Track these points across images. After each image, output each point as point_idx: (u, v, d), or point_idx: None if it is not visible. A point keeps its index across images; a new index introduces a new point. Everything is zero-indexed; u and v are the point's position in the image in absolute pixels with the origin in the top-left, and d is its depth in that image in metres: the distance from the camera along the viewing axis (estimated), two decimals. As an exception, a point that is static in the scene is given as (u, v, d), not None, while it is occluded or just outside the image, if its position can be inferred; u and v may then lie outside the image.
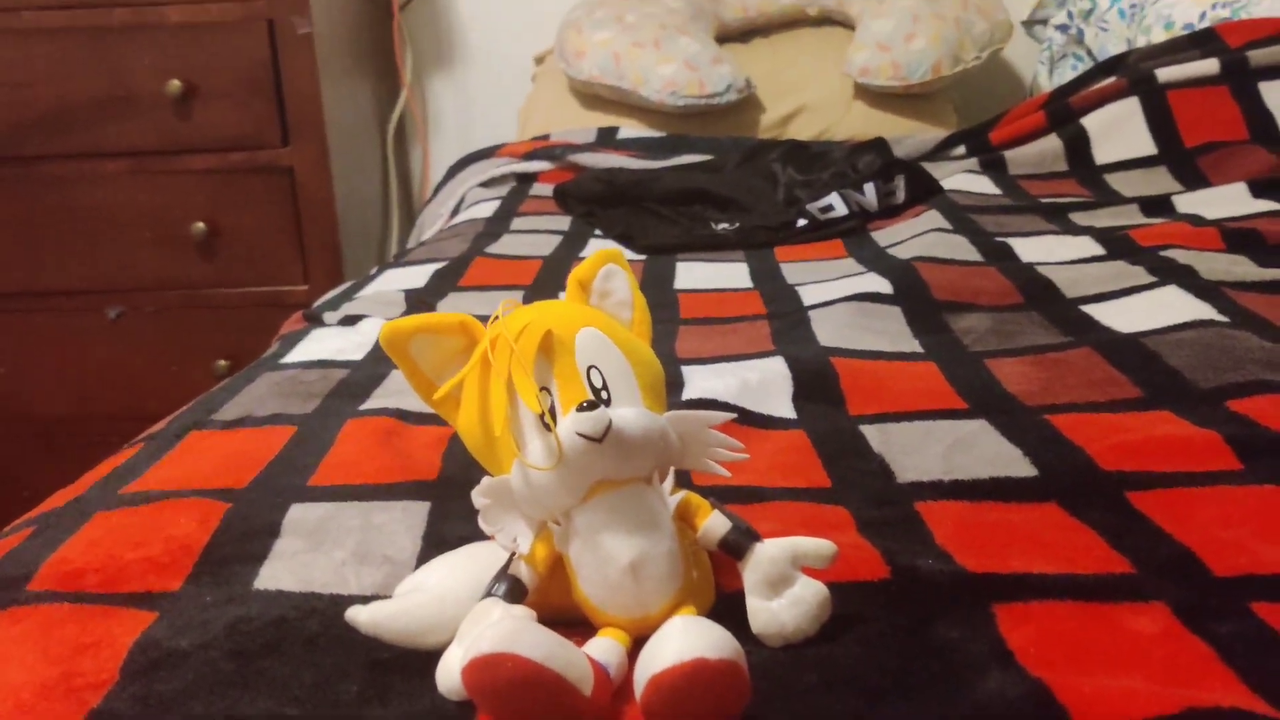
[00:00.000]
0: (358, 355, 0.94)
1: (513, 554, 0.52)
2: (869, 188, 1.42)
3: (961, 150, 1.65)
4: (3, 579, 0.58)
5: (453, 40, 2.29)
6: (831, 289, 1.07)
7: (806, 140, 1.76)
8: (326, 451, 0.72)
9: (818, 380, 0.82)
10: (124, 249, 1.89)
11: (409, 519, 0.63)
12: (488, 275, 1.19)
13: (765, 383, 0.82)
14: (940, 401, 0.78)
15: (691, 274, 1.20)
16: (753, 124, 1.89)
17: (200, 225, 1.86)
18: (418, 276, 1.19)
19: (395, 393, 0.83)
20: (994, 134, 1.64)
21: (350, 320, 1.04)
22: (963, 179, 1.49)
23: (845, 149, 1.59)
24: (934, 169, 1.54)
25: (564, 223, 1.45)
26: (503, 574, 0.52)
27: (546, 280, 1.17)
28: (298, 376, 0.89)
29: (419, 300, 1.09)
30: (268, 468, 0.70)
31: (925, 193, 1.42)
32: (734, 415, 0.58)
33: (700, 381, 0.82)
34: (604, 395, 0.52)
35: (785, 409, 0.78)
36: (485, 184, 1.76)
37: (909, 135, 1.75)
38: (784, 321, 0.98)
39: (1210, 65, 1.53)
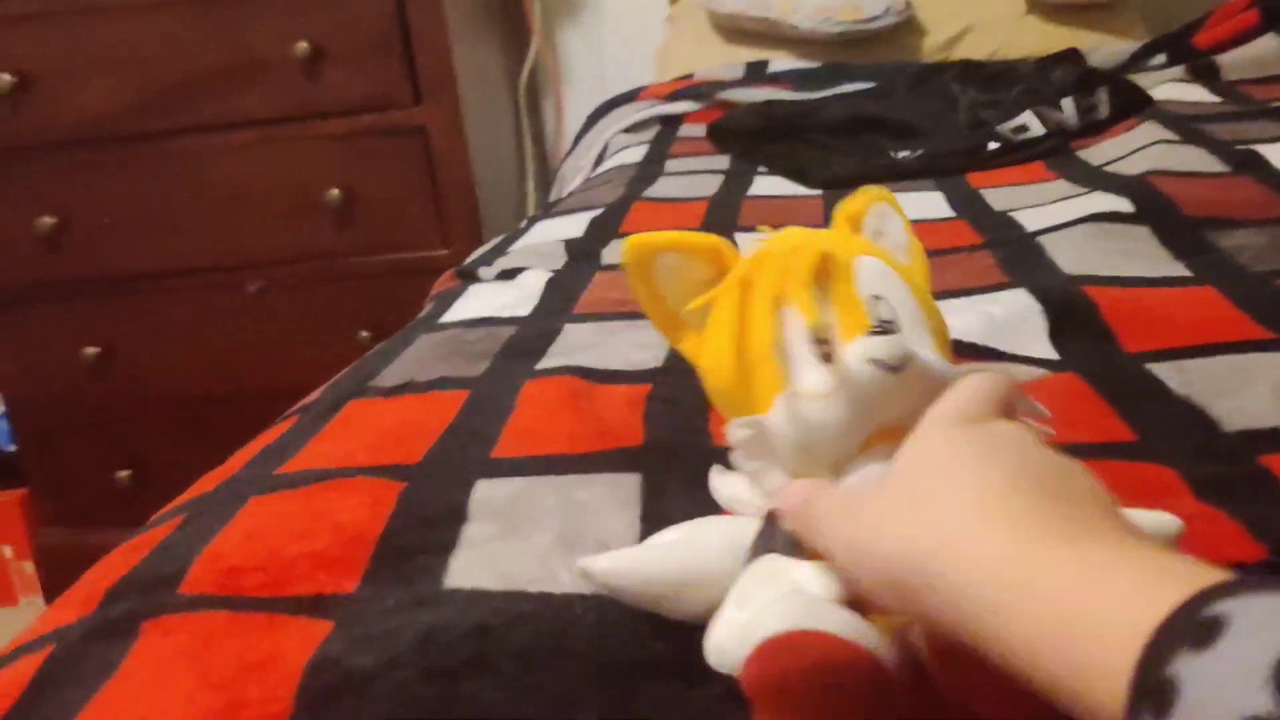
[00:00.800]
0: (523, 310, 0.83)
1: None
2: (1067, 103, 1.26)
3: (1162, 59, 1.47)
4: (152, 579, 0.49)
5: (584, -11, 2.17)
6: (1055, 212, 0.92)
7: (982, 61, 1.60)
8: (507, 418, 0.62)
9: (1076, 313, 0.69)
10: (259, 221, 1.83)
11: (618, 494, 0.52)
12: (650, 220, 1.07)
13: (1012, 318, 0.68)
14: (1239, 331, 0.64)
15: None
16: (915, 49, 1.73)
17: (335, 192, 1.79)
18: (574, 226, 1.08)
19: (574, 348, 0.73)
20: (1199, 38, 1.46)
21: (509, 274, 0.94)
22: (1172, 88, 1.31)
23: (1032, 64, 1.42)
24: (1136, 79, 1.36)
25: (723, 161, 1.33)
26: (772, 529, 0.43)
27: (716, 223, 1.05)
28: (459, 336, 0.79)
29: (581, 250, 0.98)
30: (442, 439, 0.60)
31: (1133, 106, 1.25)
32: (1045, 373, 0.47)
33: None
34: (894, 329, 0.43)
35: (1043, 348, 0.65)
36: (628, 130, 1.64)
37: (1099, 48, 1.57)
38: (1009, 250, 0.84)
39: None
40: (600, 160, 1.61)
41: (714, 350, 0.46)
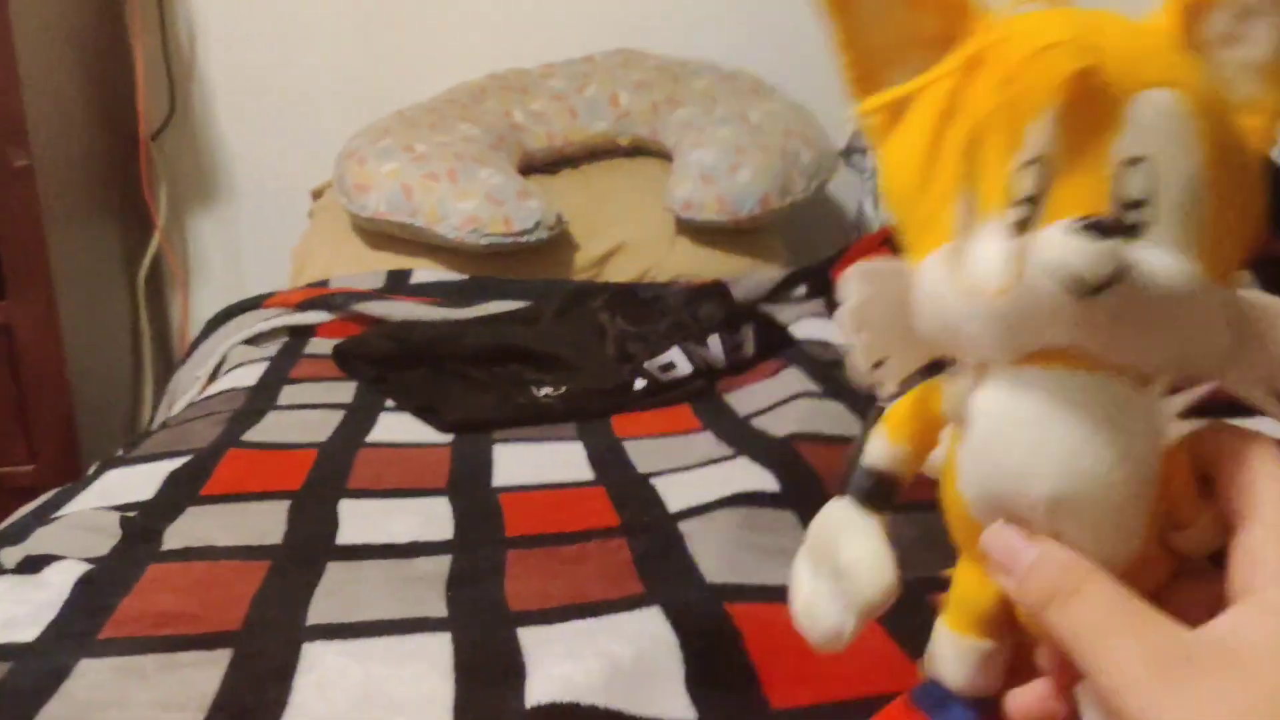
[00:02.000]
0: (28, 633, 0.63)
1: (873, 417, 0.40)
2: (714, 340, 1.21)
3: (803, 290, 1.47)
4: None
5: (216, 174, 1.99)
6: (700, 481, 0.83)
7: (632, 283, 1.55)
8: None
9: (716, 647, 0.58)
10: None
11: None
12: (242, 476, 0.90)
13: (643, 660, 0.56)
14: (899, 676, 0.54)
15: (514, 461, 0.94)
16: (566, 264, 1.67)
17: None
18: (145, 483, 0.88)
19: (84, 705, 0.54)
20: (837, 270, 1.47)
21: (32, 564, 0.73)
22: (813, 325, 1.30)
23: (681, 294, 1.38)
24: (775, 312, 1.35)
25: (347, 391, 1.17)
26: (857, 451, 0.40)
27: (323, 479, 0.89)
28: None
29: (139, 529, 0.78)
30: None
31: (778, 344, 1.22)
32: None
33: (547, 666, 0.56)
34: (1136, 218, 0.32)
35: (677, 704, 0.53)
36: (251, 341, 1.46)
37: (741, 275, 1.56)
38: (648, 541, 0.73)
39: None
40: (217, 374, 1.42)
41: (899, 152, 0.36)
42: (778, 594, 0.61)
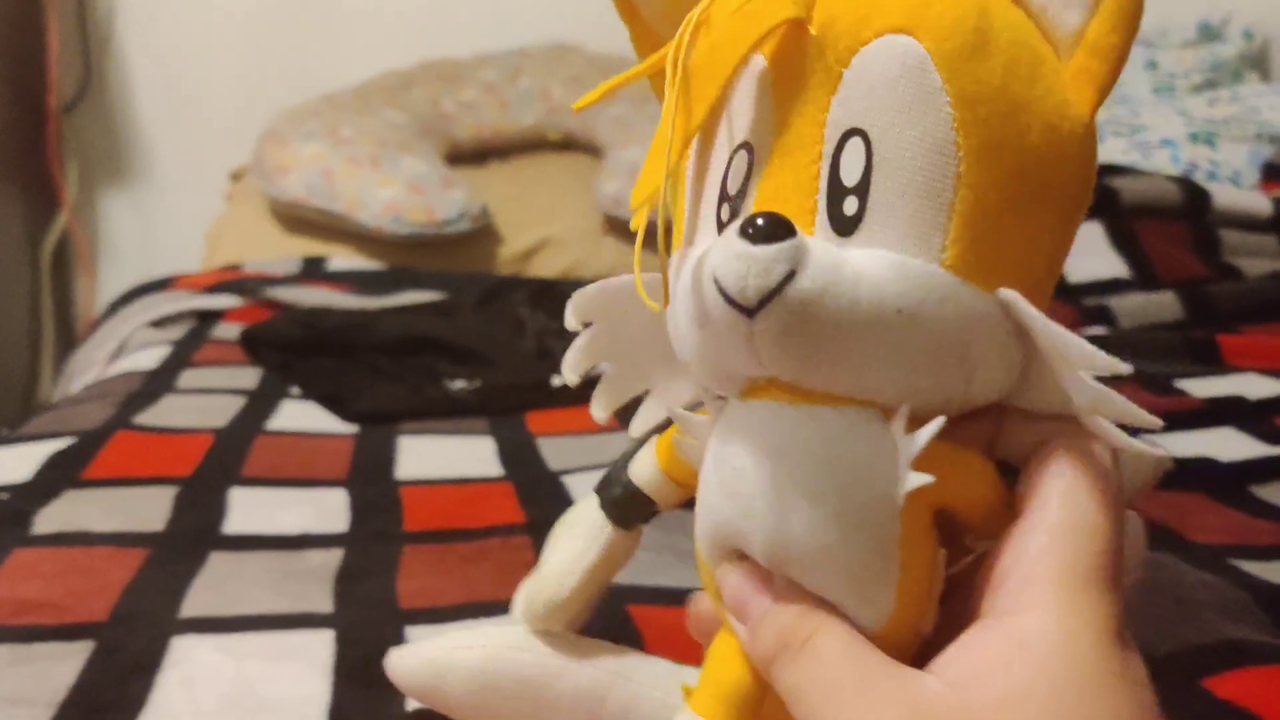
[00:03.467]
0: None
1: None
2: (635, 338, 1.18)
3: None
4: None
5: (130, 151, 1.92)
6: (609, 480, 0.80)
7: (556, 279, 1.51)
8: None
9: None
10: None
11: None
12: (129, 460, 0.85)
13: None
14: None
15: (420, 454, 0.90)
16: (490, 258, 1.64)
17: None
18: (24, 463, 0.83)
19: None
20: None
21: (-113, 545, 0.68)
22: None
23: (603, 291, 1.34)
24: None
25: (251, 377, 1.12)
26: (626, 457, 0.37)
27: (214, 466, 0.84)
28: None
29: (12, 512, 0.73)
30: None
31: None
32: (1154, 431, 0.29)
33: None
34: (851, 207, 0.27)
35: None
36: (157, 324, 1.40)
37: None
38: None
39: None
40: (119, 357, 1.35)
41: (658, 138, 0.30)
42: (681, 597, 0.58)
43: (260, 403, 1.04)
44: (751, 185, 0.28)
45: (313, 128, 1.63)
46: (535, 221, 1.67)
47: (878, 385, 0.27)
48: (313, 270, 1.54)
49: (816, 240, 0.27)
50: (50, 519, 0.72)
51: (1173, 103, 1.65)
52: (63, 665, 0.53)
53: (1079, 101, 0.29)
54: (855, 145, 0.27)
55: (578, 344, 0.34)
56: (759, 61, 0.28)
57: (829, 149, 0.27)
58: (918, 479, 0.27)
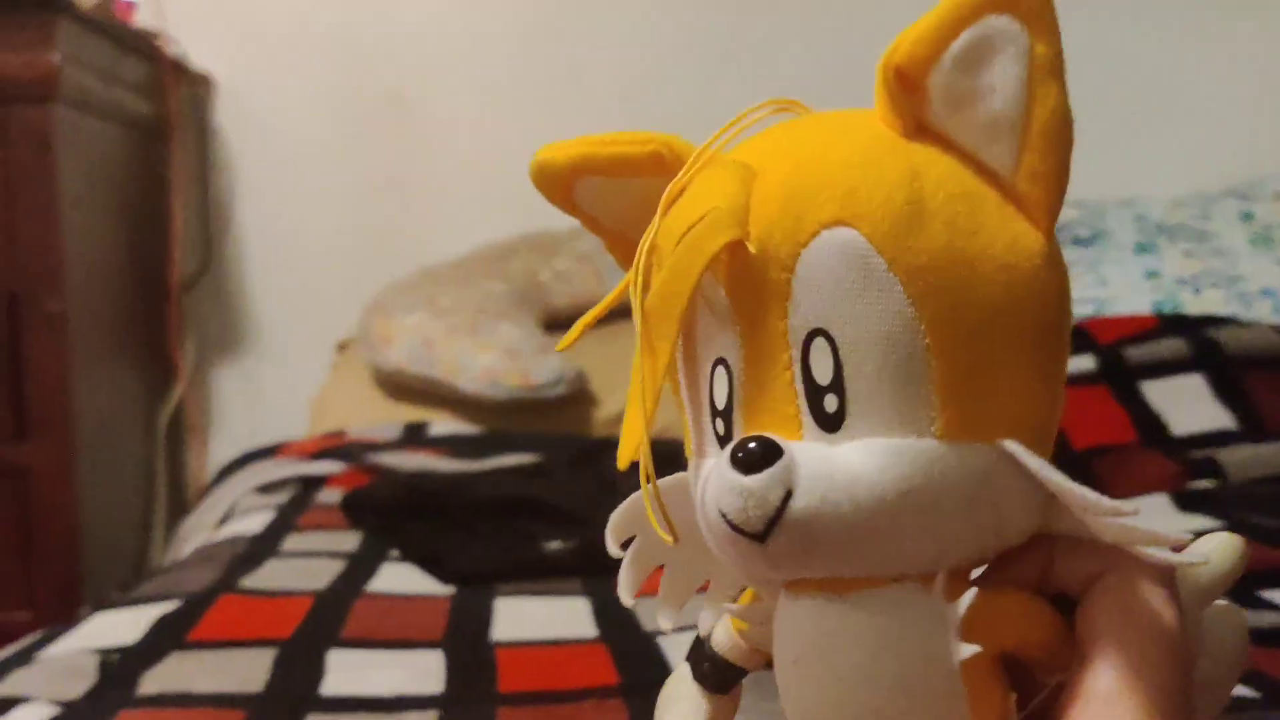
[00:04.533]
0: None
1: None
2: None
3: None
4: None
5: (242, 327, 2.01)
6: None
7: (651, 439, 1.52)
8: None
9: None
10: None
11: None
12: (232, 623, 0.86)
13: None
14: None
15: (516, 615, 0.90)
16: (585, 421, 1.66)
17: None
18: (132, 627, 0.85)
19: None
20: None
21: (1, 707, 0.69)
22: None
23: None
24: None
25: (352, 541, 1.14)
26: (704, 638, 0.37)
27: (314, 628, 0.85)
28: None
29: (117, 673, 0.75)
30: None
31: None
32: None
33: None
34: (832, 405, 0.28)
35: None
36: (264, 490, 1.44)
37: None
38: (648, 703, 0.69)
39: (1086, 362, 1.39)
40: (226, 522, 1.39)
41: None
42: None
43: (360, 565, 1.05)
44: (736, 398, 0.30)
45: (414, 299, 1.69)
46: (629, 385, 1.69)
47: (906, 561, 0.28)
48: (413, 436, 1.58)
49: (807, 448, 0.28)
50: (155, 680, 0.74)
51: (1271, 253, 1.63)
52: (162, 826, 0.53)
53: (1030, 230, 0.29)
54: (820, 345, 0.28)
55: (626, 563, 0.34)
56: (712, 282, 0.30)
57: (796, 353, 0.28)
58: (967, 649, 0.27)
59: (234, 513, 1.39)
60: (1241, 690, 0.63)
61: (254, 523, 1.24)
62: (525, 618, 0.90)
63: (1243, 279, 1.56)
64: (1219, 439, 1.24)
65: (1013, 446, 0.28)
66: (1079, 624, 0.29)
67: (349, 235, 1.98)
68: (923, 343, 0.28)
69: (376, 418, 1.66)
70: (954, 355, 0.28)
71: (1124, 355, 1.39)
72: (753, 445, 0.27)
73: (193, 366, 1.97)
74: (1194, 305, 1.53)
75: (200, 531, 1.44)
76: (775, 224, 0.28)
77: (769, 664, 0.37)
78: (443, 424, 1.61)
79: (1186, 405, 1.29)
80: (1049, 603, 0.29)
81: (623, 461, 0.30)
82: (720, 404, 0.30)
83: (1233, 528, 0.90)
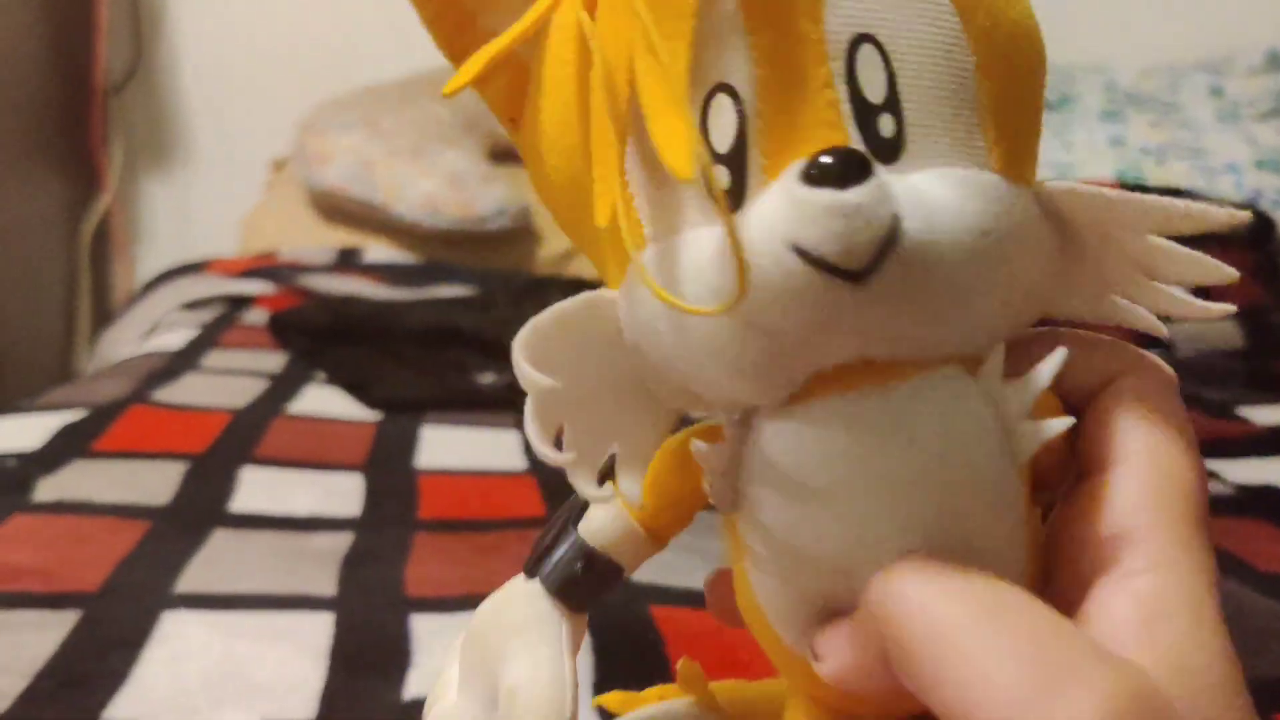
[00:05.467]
0: None
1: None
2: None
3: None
4: None
5: (173, 136, 1.91)
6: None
7: (594, 280, 1.48)
8: None
9: (633, 653, 0.51)
10: None
11: None
12: (142, 435, 0.82)
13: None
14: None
15: (442, 444, 0.87)
16: (528, 257, 1.61)
17: None
18: (34, 432, 0.81)
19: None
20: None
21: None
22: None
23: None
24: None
25: (276, 362, 1.10)
26: (570, 515, 0.28)
27: (229, 445, 0.81)
28: None
29: (16, 478, 0.71)
30: None
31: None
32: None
33: (436, 657, 0.49)
34: (888, 128, 0.22)
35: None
36: (190, 307, 1.38)
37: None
38: (573, 533, 0.67)
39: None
40: (149, 338, 1.34)
41: (548, 122, 0.25)
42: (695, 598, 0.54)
43: (283, 386, 1.01)
44: (752, 134, 0.22)
45: (353, 117, 1.61)
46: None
47: (976, 329, 0.23)
48: (347, 261, 1.52)
49: (880, 172, 0.22)
50: (53, 487, 0.70)
51: (1238, 129, 1.59)
52: (45, 634, 0.50)
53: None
54: (869, 54, 0.22)
55: (531, 411, 0.23)
56: None
57: (838, 66, 0.22)
58: (1061, 423, 0.23)
59: (157, 329, 1.33)
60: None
61: (175, 338, 1.19)
62: (452, 447, 0.87)
63: (1207, 152, 1.53)
64: (1168, 311, 1.22)
65: (1066, 186, 0.24)
66: (1092, 430, 0.25)
67: (292, 43, 1.87)
68: (972, 60, 0.23)
69: (310, 240, 1.59)
70: (998, 78, 0.23)
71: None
72: (840, 156, 0.21)
73: (119, 175, 1.87)
74: (1157, 176, 1.50)
75: (122, 346, 1.39)
76: None
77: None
78: (379, 250, 1.55)
79: (1139, 275, 1.28)
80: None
81: (602, 216, 0.23)
82: (724, 146, 0.23)
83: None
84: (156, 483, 0.72)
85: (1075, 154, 1.54)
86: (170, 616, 0.52)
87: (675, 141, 0.21)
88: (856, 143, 0.22)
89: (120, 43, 1.82)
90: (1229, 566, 0.60)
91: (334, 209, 1.60)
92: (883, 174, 0.21)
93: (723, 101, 0.23)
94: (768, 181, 0.22)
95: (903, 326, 0.22)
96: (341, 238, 1.59)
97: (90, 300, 1.86)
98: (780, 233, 0.21)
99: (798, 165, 0.21)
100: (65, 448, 0.77)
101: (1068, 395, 0.25)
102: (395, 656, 0.49)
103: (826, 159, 0.21)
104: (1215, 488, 0.73)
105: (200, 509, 0.68)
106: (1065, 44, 1.69)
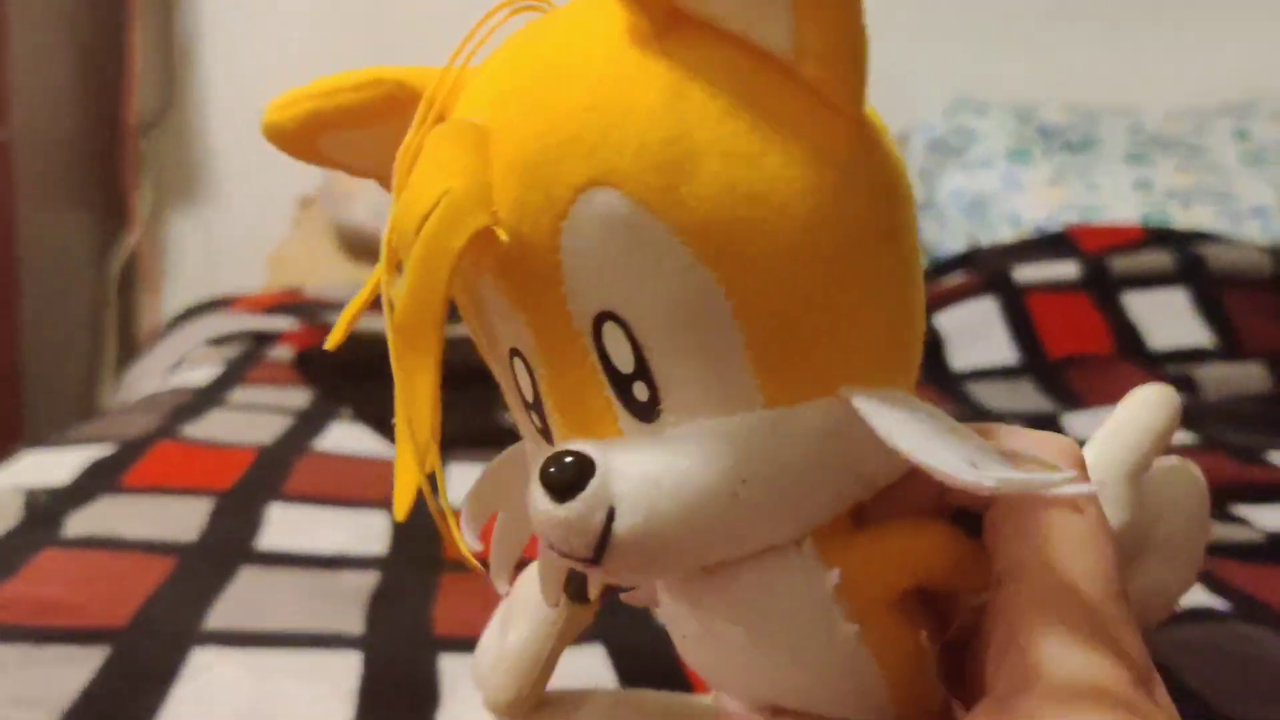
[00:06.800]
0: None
1: None
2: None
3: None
4: None
5: (202, 174, 1.93)
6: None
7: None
8: None
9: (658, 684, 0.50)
10: None
11: None
12: (170, 470, 0.83)
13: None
14: None
15: (468, 481, 0.87)
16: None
17: None
18: (63, 466, 0.81)
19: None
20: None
21: (-85, 537, 0.66)
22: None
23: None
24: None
25: (302, 398, 1.10)
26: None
27: (255, 481, 0.82)
28: None
29: (43, 511, 0.71)
30: None
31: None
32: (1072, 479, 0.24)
33: (465, 697, 0.49)
34: (642, 393, 0.24)
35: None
36: (215, 342, 1.39)
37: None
38: (600, 574, 0.66)
39: (1069, 269, 1.36)
40: (174, 372, 1.35)
41: None
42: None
43: (309, 423, 1.01)
44: (542, 388, 0.26)
45: (383, 157, 1.62)
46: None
47: (764, 539, 0.25)
48: (374, 297, 1.53)
49: (626, 451, 0.24)
50: (83, 522, 0.70)
51: (1264, 172, 1.59)
52: (75, 669, 0.50)
53: (832, 127, 0.23)
54: (612, 330, 0.24)
55: (495, 545, 0.31)
56: (473, 274, 0.26)
57: (589, 342, 0.24)
58: (847, 629, 0.25)
59: (183, 364, 1.34)
60: (1212, 602, 0.61)
61: (201, 374, 1.20)
62: (477, 485, 0.87)
63: (1233, 197, 1.52)
64: (1196, 356, 1.22)
65: (857, 401, 0.23)
66: (987, 539, 0.25)
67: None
68: (724, 305, 0.23)
69: (336, 276, 1.60)
70: (764, 311, 0.23)
71: (1108, 265, 1.36)
72: (566, 460, 0.24)
73: (149, 212, 1.89)
74: (1182, 219, 1.50)
75: (148, 380, 1.40)
76: (523, 200, 0.24)
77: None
78: (405, 287, 1.56)
79: (1166, 319, 1.27)
80: (949, 523, 0.26)
81: (399, 512, 0.27)
82: (529, 396, 0.26)
83: (1206, 444, 0.89)
84: (185, 519, 0.72)
85: (1101, 197, 1.54)
86: (200, 653, 0.52)
87: (401, 486, 0.27)
88: (617, 407, 0.24)
89: (151, 84, 1.85)
90: (1258, 614, 0.59)
91: (360, 246, 1.62)
92: (613, 468, 0.23)
93: (519, 363, 0.26)
94: (563, 426, 0.25)
95: (653, 577, 0.26)
96: (367, 274, 1.59)
97: (117, 335, 1.88)
98: (536, 524, 0.25)
99: (539, 466, 0.24)
100: (94, 483, 0.78)
101: (969, 504, 0.26)
102: (425, 696, 0.49)
103: (551, 469, 0.23)
104: (1244, 534, 0.73)
105: (228, 545, 0.68)
106: (1091, 87, 1.69)
